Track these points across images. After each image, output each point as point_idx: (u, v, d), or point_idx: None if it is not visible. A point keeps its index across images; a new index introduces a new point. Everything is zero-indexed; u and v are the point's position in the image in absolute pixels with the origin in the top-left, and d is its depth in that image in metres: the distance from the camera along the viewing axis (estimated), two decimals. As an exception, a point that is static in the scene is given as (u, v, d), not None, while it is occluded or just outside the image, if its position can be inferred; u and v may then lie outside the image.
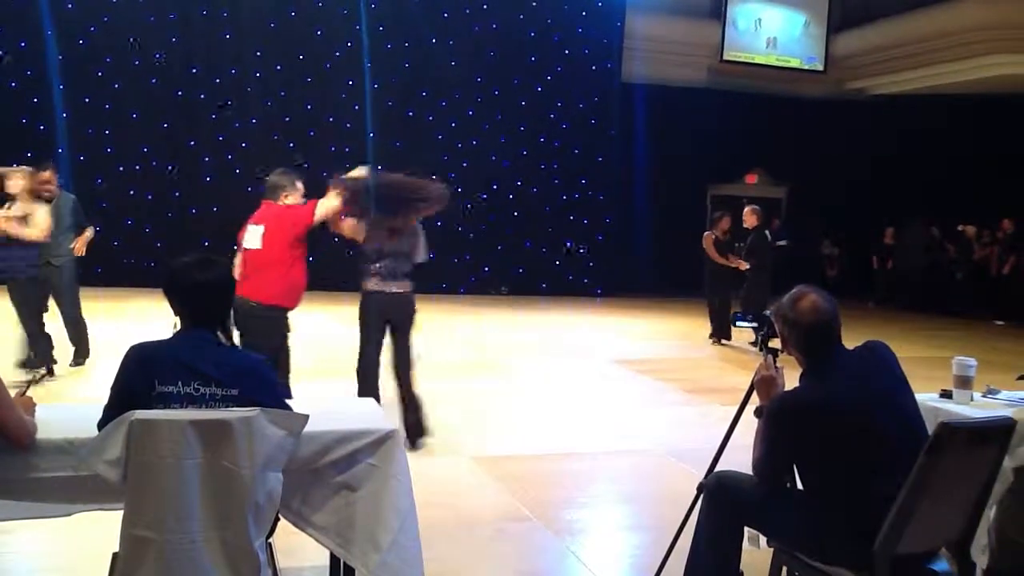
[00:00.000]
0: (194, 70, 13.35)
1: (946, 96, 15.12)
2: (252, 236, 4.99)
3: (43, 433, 2.53)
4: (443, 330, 9.91)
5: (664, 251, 15.26)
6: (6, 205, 6.47)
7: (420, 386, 5.42)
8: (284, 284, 4.97)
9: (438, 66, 14.26)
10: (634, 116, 15.72)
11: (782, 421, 2.71)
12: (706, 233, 10.47)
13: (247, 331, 4.52)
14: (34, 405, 2.63)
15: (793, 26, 16.86)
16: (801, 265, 14.21)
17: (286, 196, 5.07)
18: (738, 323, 3.29)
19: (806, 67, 16.92)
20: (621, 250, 15.53)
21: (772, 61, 16.75)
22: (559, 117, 15.16)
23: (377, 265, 5.25)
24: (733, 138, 16.05)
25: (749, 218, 10.20)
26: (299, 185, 5.13)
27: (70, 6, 12.79)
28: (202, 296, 2.55)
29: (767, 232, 10.34)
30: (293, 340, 5.12)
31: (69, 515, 2.59)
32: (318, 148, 13.75)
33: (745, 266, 10.19)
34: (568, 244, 15.14)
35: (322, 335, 8.50)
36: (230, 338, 2.63)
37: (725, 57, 16.37)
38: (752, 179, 17.66)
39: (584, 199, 15.38)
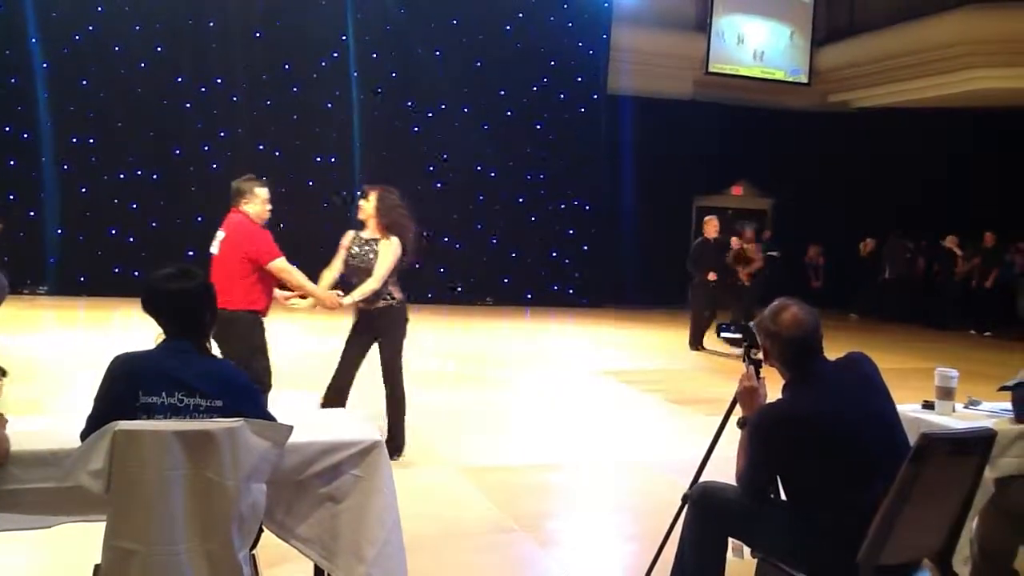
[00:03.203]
0: (180, 79, 13.28)
1: (929, 109, 15.26)
2: (215, 242, 4.88)
3: (25, 444, 2.51)
4: (428, 340, 9.89)
5: (650, 262, 15.30)
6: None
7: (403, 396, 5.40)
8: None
9: (425, 77, 14.27)
10: (620, 127, 15.74)
11: (765, 432, 2.73)
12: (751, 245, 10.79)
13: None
14: (5, 422, 2.57)
15: (778, 39, 16.98)
16: (785, 276, 14.29)
17: (246, 203, 4.92)
18: (722, 334, 3.31)
19: (791, 79, 17.03)
20: (607, 260, 15.56)
21: (757, 73, 16.85)
22: (545, 128, 15.18)
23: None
24: (718, 149, 16.11)
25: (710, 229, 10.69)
26: (258, 192, 4.94)
27: (55, 14, 12.71)
28: (178, 306, 2.54)
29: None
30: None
31: (51, 527, 2.57)
32: (304, 159, 13.74)
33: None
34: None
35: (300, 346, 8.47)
36: (208, 349, 2.62)
37: (710, 69, 16.45)
38: (738, 190, 17.75)
39: (570, 209, 15.41)
